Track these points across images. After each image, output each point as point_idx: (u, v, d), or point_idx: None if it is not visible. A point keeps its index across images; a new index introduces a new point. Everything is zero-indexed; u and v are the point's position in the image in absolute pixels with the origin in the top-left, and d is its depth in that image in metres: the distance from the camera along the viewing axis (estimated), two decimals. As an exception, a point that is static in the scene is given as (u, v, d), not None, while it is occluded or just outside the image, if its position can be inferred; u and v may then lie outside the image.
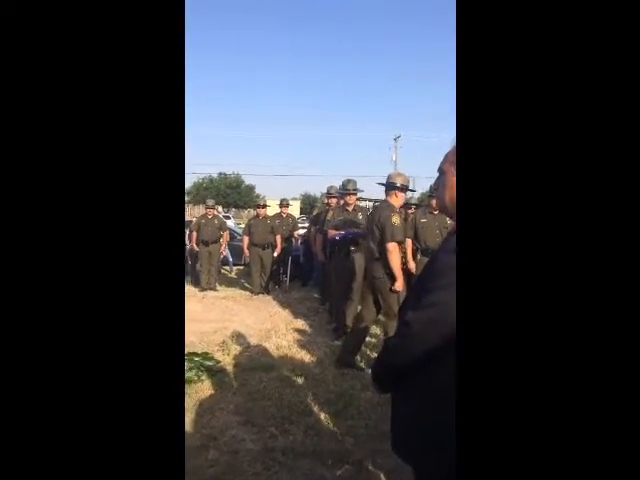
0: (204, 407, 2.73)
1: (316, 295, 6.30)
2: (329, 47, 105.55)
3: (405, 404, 1.06)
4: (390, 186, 3.41)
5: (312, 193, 36.20)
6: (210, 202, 7.33)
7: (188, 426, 2.50)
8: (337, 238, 4.41)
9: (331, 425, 2.54)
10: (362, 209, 4.83)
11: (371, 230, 3.43)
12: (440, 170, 1.12)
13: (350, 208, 4.52)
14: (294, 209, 21.33)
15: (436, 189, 1.14)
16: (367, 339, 3.80)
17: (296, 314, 5.38)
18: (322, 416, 2.64)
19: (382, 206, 3.51)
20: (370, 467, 2.13)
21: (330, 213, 4.72)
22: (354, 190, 4.51)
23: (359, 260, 4.46)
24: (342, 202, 4.65)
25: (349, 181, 4.56)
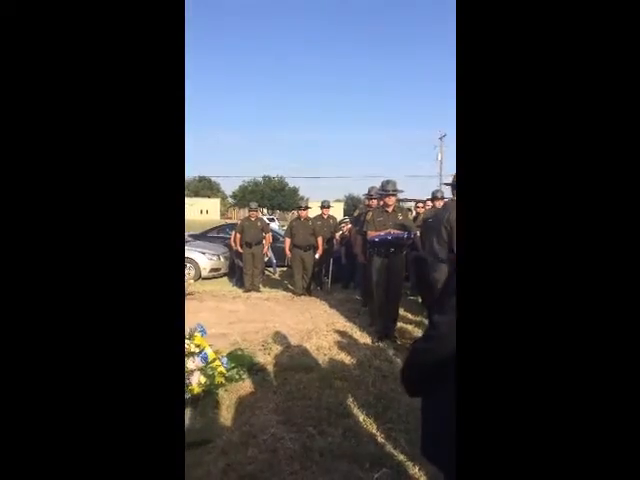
0: (244, 405, 2.79)
1: (357, 297, 6.28)
2: (375, 50, 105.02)
3: (433, 407, 1.04)
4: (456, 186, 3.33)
5: (356, 195, 36.08)
6: (253, 205, 7.50)
7: (229, 423, 2.57)
8: (376, 240, 4.37)
9: (370, 428, 2.52)
10: (402, 210, 4.78)
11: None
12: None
13: (390, 209, 4.47)
14: (338, 211, 21.38)
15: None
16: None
17: (337, 315, 5.39)
18: (361, 418, 2.63)
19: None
20: (410, 472, 2.09)
21: (370, 214, 4.68)
22: (394, 191, 4.45)
23: (398, 262, 4.44)
24: (382, 203, 4.61)
25: (388, 182, 4.50)
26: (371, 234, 4.45)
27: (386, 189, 4.44)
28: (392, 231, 4.34)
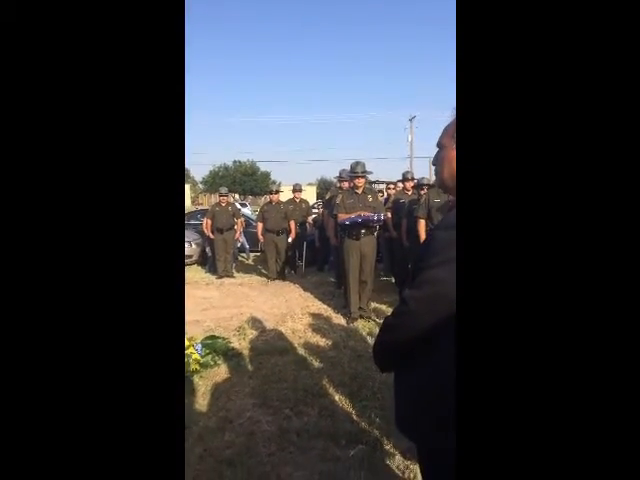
0: (220, 390, 2.78)
1: (332, 279, 6.32)
2: (342, 30, 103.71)
3: (405, 382, 1.05)
4: None
5: (328, 178, 36.00)
6: (223, 190, 7.36)
7: (205, 409, 2.56)
8: (347, 223, 4.39)
9: (345, 406, 2.56)
10: (372, 191, 4.78)
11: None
12: (439, 144, 1.09)
13: (359, 191, 4.47)
14: (311, 194, 21.28)
15: (435, 164, 1.11)
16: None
17: (312, 298, 5.41)
18: (337, 398, 2.66)
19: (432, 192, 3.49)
20: (385, 447, 2.14)
21: (340, 197, 4.68)
22: (363, 172, 4.44)
23: (370, 243, 4.47)
24: (352, 185, 4.60)
25: (357, 163, 4.49)
26: (341, 217, 4.46)
27: (355, 171, 4.43)
28: (362, 213, 4.36)
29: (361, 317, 4.41)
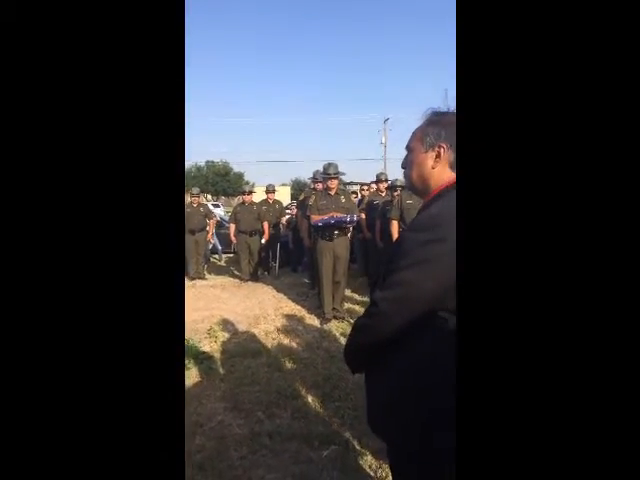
0: (191, 394, 2.73)
1: (306, 280, 6.31)
2: (314, 27, 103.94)
3: (376, 382, 1.06)
4: None
5: (303, 179, 35.94)
6: (195, 190, 7.23)
7: (175, 414, 2.50)
8: (320, 224, 4.37)
9: (319, 408, 2.56)
10: (345, 192, 4.77)
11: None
12: (408, 148, 1.11)
13: (332, 192, 4.46)
14: (285, 195, 21.20)
15: (404, 167, 1.12)
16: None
17: (285, 299, 5.39)
18: (310, 399, 2.66)
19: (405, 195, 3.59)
20: (357, 447, 2.15)
21: (313, 198, 4.67)
22: (335, 174, 4.43)
23: (343, 244, 4.49)
24: (325, 186, 4.61)
25: (330, 165, 4.47)
26: (314, 218, 4.45)
27: (328, 172, 4.42)
28: (335, 214, 4.36)
29: (335, 318, 4.42)
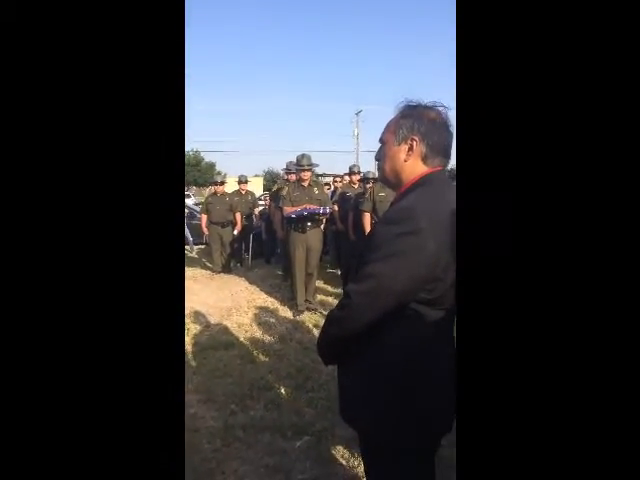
0: (163, 388, 2.70)
1: (279, 272, 6.29)
2: (288, 18, 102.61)
3: (348, 373, 1.07)
4: None
5: (275, 169, 35.66)
6: (166, 180, 7.08)
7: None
8: (293, 216, 4.35)
9: (292, 399, 2.57)
10: (318, 184, 4.74)
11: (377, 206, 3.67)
12: (381, 140, 1.11)
13: (306, 184, 4.44)
14: (257, 186, 21.00)
15: (378, 159, 1.13)
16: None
17: (258, 291, 5.36)
18: (283, 390, 2.67)
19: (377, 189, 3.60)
20: (330, 437, 2.17)
21: (285, 189, 4.66)
22: (309, 165, 4.40)
23: (316, 236, 4.50)
24: (298, 178, 4.60)
25: (303, 156, 4.43)
26: (287, 210, 4.42)
27: (301, 164, 4.38)
28: (308, 206, 4.35)
29: (308, 310, 4.43)
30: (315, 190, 4.47)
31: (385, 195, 4.53)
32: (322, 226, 4.72)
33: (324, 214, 4.49)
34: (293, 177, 5.29)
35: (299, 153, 4.55)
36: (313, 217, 4.40)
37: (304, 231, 4.38)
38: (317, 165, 4.73)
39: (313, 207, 4.35)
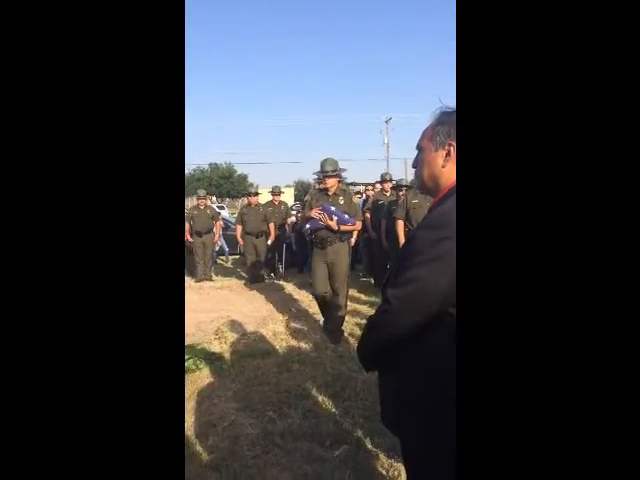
0: (203, 395, 2.76)
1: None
2: (314, 27, 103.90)
3: (389, 378, 1.07)
4: None
5: (306, 180, 35.97)
6: (201, 192, 7.29)
7: (187, 414, 2.53)
8: (308, 226, 3.82)
9: (329, 407, 2.57)
10: (345, 192, 3.98)
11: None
12: (418, 147, 1.12)
13: (330, 192, 3.81)
14: (288, 196, 21.26)
15: (415, 167, 1.14)
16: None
17: (292, 300, 5.40)
18: (320, 399, 2.67)
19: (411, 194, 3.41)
20: (368, 446, 2.16)
21: (308, 198, 4.11)
22: (333, 172, 3.78)
23: (338, 252, 3.80)
24: (322, 186, 3.97)
25: (326, 161, 3.78)
26: (306, 215, 3.89)
27: (325, 170, 3.79)
28: (315, 215, 3.72)
29: (336, 330, 3.90)
30: (340, 200, 3.83)
31: (418, 202, 4.50)
32: (352, 239, 4.17)
33: (343, 222, 3.72)
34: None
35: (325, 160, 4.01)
36: (333, 231, 3.71)
37: (324, 247, 3.79)
38: (344, 170, 4.13)
39: (315, 219, 3.71)
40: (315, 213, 3.71)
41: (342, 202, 3.84)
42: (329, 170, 3.80)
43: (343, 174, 4.23)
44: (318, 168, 3.89)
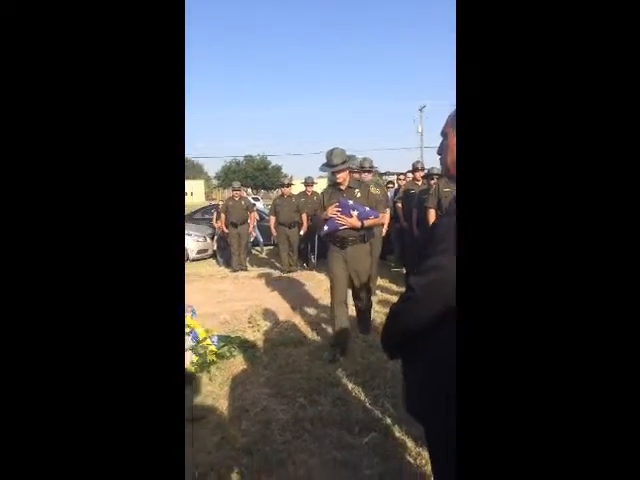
0: (236, 381, 2.85)
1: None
2: (352, 17, 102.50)
3: (413, 366, 1.08)
4: None
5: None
6: (236, 184, 7.44)
7: (222, 399, 2.62)
8: (326, 228, 3.28)
9: (358, 395, 2.60)
10: (361, 185, 3.48)
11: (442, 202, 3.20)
12: (443, 133, 1.11)
13: (343, 187, 3.32)
14: (322, 187, 21.25)
15: (439, 153, 1.13)
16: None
17: (323, 290, 5.44)
18: (349, 387, 2.71)
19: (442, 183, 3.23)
20: (397, 434, 2.18)
21: (321, 195, 3.61)
22: (342, 164, 3.21)
23: (360, 252, 3.34)
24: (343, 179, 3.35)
25: (332, 152, 3.22)
26: (322, 217, 3.36)
27: (333, 164, 3.21)
28: (332, 215, 3.23)
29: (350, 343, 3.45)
30: (357, 192, 3.33)
31: (450, 191, 4.41)
32: (383, 229, 4.00)
33: (367, 215, 3.23)
34: (356, 176, 5.07)
35: (361, 156, 3.91)
36: (350, 232, 3.25)
37: (343, 247, 3.31)
38: (355, 158, 3.62)
39: (349, 202, 3.23)
40: (332, 212, 3.21)
41: (359, 195, 3.35)
42: (338, 163, 3.23)
43: (374, 164, 3.90)
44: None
